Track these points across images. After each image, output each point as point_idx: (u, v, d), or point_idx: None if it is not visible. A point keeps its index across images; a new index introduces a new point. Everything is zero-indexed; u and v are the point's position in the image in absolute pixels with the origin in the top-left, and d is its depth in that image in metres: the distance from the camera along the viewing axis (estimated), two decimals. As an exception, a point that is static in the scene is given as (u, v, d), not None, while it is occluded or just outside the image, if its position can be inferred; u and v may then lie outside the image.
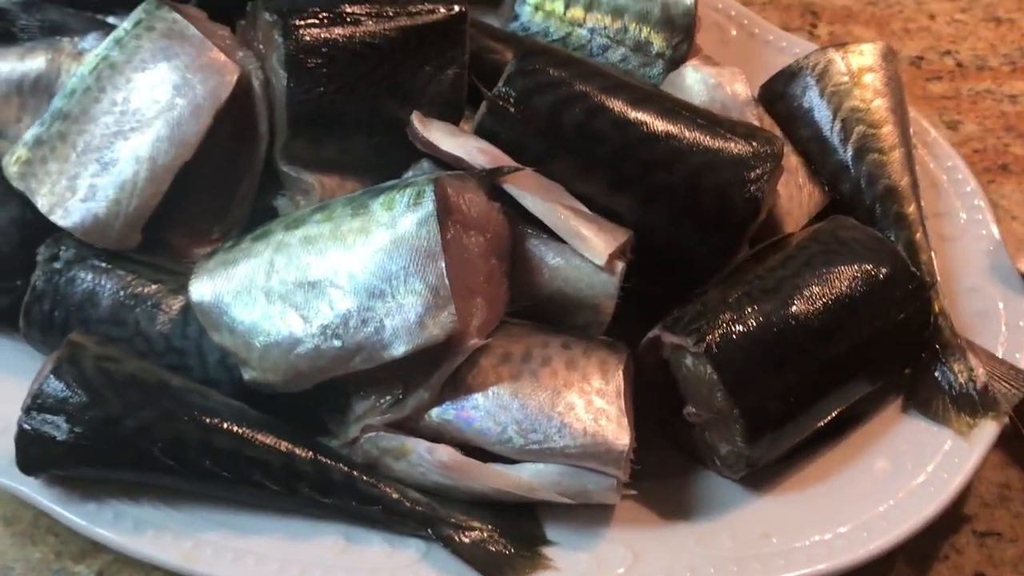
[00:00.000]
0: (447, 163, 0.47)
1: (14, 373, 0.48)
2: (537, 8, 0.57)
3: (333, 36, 0.46)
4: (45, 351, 0.47)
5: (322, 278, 0.42)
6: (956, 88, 0.71)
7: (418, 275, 0.41)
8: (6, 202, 0.47)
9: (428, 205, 0.41)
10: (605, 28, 0.56)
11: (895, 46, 0.73)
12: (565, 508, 0.43)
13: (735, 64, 0.60)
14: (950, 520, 0.50)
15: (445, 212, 0.42)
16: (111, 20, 0.53)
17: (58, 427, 0.40)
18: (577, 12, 0.56)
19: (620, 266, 0.45)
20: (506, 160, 0.46)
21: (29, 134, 0.47)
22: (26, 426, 0.40)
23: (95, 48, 0.52)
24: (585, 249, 0.44)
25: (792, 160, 0.51)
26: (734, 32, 0.63)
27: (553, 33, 0.57)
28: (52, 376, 0.41)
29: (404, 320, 0.41)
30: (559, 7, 0.57)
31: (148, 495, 0.43)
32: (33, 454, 0.41)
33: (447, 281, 0.41)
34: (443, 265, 0.41)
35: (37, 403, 0.40)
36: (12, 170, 0.47)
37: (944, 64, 0.73)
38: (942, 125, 0.69)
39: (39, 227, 0.47)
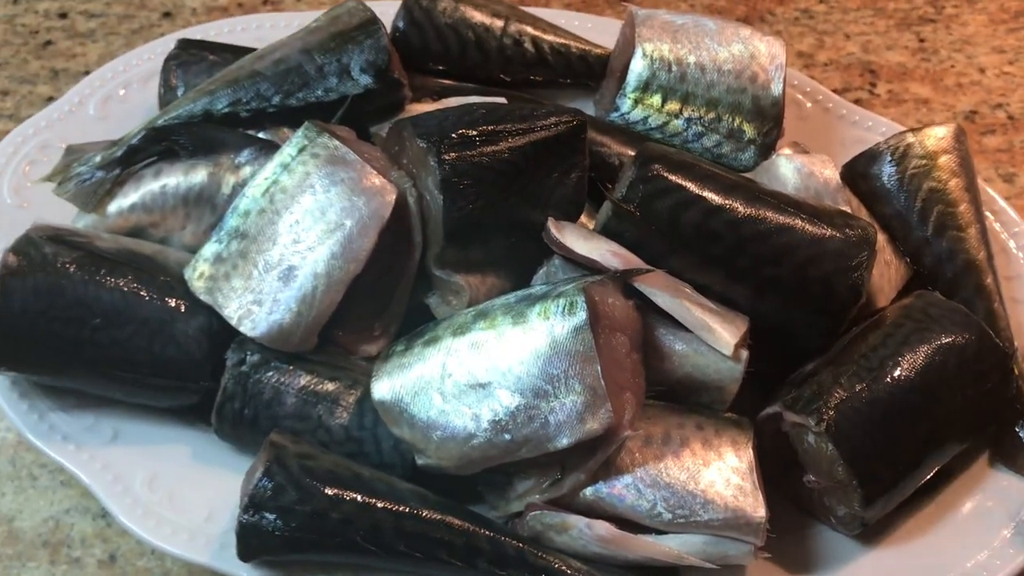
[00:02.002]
0: (580, 264, 0.53)
1: (206, 462, 0.55)
2: (637, 102, 0.62)
3: (478, 158, 0.52)
4: (235, 444, 0.54)
5: (491, 380, 0.48)
6: (1009, 141, 0.77)
7: (577, 377, 0.47)
8: (194, 312, 0.52)
9: (581, 315, 0.47)
10: (700, 118, 0.62)
11: (949, 101, 0.79)
12: (705, 571, 0.49)
13: (813, 137, 0.67)
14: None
15: (595, 318, 0.47)
16: (261, 135, 0.60)
17: (272, 521, 0.46)
18: (674, 105, 0.62)
19: (744, 354, 0.50)
20: (636, 261, 0.51)
21: (208, 250, 0.53)
22: (244, 521, 0.46)
23: (251, 162, 0.58)
24: (713, 340, 0.50)
25: (879, 239, 0.56)
26: (809, 106, 0.69)
27: (651, 123, 0.63)
28: (264, 477, 0.46)
29: (567, 416, 0.47)
30: (656, 100, 0.62)
31: (343, 571, 0.50)
32: (251, 545, 0.47)
33: (602, 381, 0.46)
34: (599, 368, 0.46)
35: (254, 501, 0.46)
36: (198, 284, 0.52)
37: (996, 117, 0.78)
38: (998, 179, 0.74)
39: (225, 335, 0.53)
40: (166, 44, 0.69)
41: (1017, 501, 0.52)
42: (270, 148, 0.57)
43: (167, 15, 0.81)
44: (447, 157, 0.51)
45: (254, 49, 0.64)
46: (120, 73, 0.68)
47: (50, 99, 0.75)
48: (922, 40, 0.83)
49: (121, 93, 0.67)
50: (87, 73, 0.77)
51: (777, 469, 0.51)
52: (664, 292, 0.51)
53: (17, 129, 0.65)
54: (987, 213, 0.62)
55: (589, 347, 0.46)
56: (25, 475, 0.57)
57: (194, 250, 0.56)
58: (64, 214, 0.60)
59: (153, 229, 0.58)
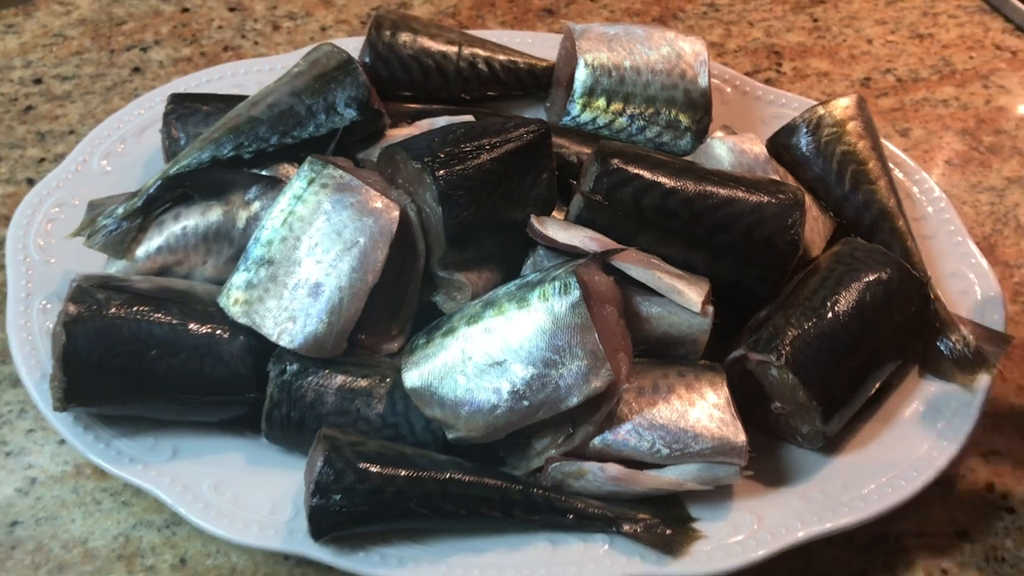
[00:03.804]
0: (562, 251, 0.61)
1: (261, 465, 0.61)
2: (585, 106, 0.70)
3: (466, 171, 0.59)
4: (284, 445, 0.61)
5: (506, 358, 0.55)
6: (900, 100, 0.87)
7: (579, 345, 0.55)
8: (235, 334, 0.59)
9: (576, 292, 0.55)
10: (641, 114, 0.70)
11: (845, 71, 0.89)
12: (700, 493, 0.58)
13: (737, 118, 0.76)
14: (963, 448, 0.66)
15: (586, 294, 0.56)
16: (264, 173, 0.66)
17: (337, 501, 0.53)
18: (617, 105, 0.70)
19: (710, 310, 0.59)
20: (610, 243, 0.60)
21: (238, 279, 0.59)
22: (314, 504, 0.53)
23: (259, 197, 0.65)
24: (683, 301, 0.59)
25: (806, 199, 0.65)
26: (729, 91, 0.78)
27: (599, 122, 0.71)
28: (325, 465, 0.54)
29: (574, 379, 0.55)
30: (602, 103, 0.70)
31: (400, 537, 0.57)
32: (321, 524, 0.54)
33: (600, 346, 0.55)
34: (596, 336, 0.55)
35: (320, 487, 0.53)
36: (234, 310, 0.59)
37: (887, 81, 0.88)
38: (895, 134, 0.85)
39: (264, 350, 0.60)
40: (151, 99, 0.76)
41: (944, 402, 0.62)
42: (274, 183, 0.64)
43: (136, 70, 0.87)
44: (440, 173, 0.58)
45: (238, 95, 0.71)
46: (116, 130, 0.73)
47: (41, 160, 0.80)
48: (815, 20, 0.93)
49: (120, 148, 0.72)
50: (72, 132, 0.83)
51: (746, 403, 0.60)
52: (637, 266, 0.59)
53: (33, 191, 0.70)
54: (891, 166, 0.72)
55: (586, 319, 0.55)
56: (89, 501, 0.63)
57: (217, 282, 0.63)
58: (85, 264, 0.66)
59: (178, 267, 0.64)
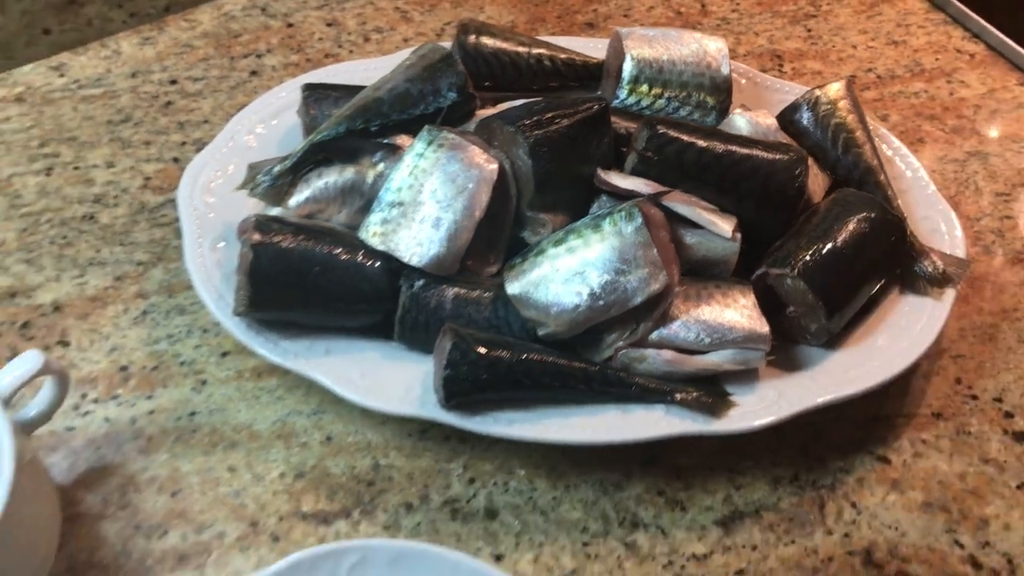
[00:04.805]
0: (622, 195, 0.78)
1: (393, 360, 0.76)
2: (631, 91, 0.87)
3: (549, 133, 0.76)
4: (410, 344, 0.76)
5: (585, 269, 0.72)
6: (881, 93, 1.04)
7: (642, 258, 0.71)
8: (375, 258, 0.74)
9: (638, 219, 0.72)
10: (676, 96, 0.87)
11: (835, 70, 1.06)
12: (734, 373, 0.74)
13: (750, 103, 0.93)
14: (935, 351, 0.82)
15: (646, 220, 0.72)
16: (386, 142, 0.83)
17: (464, 372, 0.68)
18: (657, 90, 0.87)
19: (739, 237, 0.75)
20: (660, 187, 0.77)
21: (375, 218, 0.75)
22: (446, 375, 0.69)
23: (383, 160, 0.81)
24: (717, 230, 0.75)
25: (809, 159, 0.82)
26: (743, 82, 0.95)
27: (642, 104, 0.87)
28: (453, 346, 0.69)
29: (638, 284, 0.71)
30: (645, 88, 0.87)
31: (507, 405, 0.72)
32: (451, 391, 0.69)
33: (659, 258, 0.71)
34: (655, 251, 0.71)
35: (451, 361, 0.69)
36: (373, 240, 0.75)
37: (869, 78, 1.06)
38: (876, 119, 1.02)
39: (395, 271, 0.76)
40: (277, 93, 0.92)
41: (920, 310, 0.78)
42: (394, 149, 0.80)
43: (254, 73, 1.04)
44: (531, 134, 0.75)
45: (354, 86, 0.88)
46: (254, 115, 0.89)
47: (183, 143, 0.97)
48: (809, 30, 1.11)
49: (259, 129, 0.89)
50: (206, 122, 0.99)
51: (767, 314, 0.77)
52: (681, 204, 0.76)
53: (193, 161, 0.85)
54: (876, 137, 0.89)
55: (647, 238, 0.71)
56: (250, 397, 0.79)
57: (350, 227, 0.79)
58: (236, 216, 0.82)
59: (320, 214, 0.80)
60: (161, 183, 0.93)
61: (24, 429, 0.69)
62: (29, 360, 0.68)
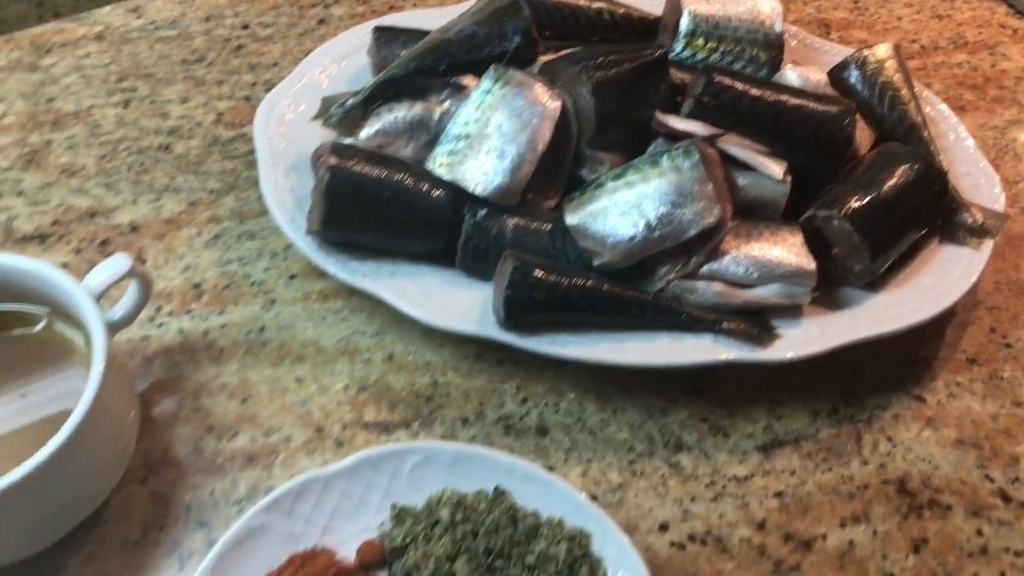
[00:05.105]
0: (678, 137, 0.81)
1: (454, 285, 0.79)
2: (687, 45, 0.90)
3: (611, 74, 0.79)
4: (470, 271, 0.78)
5: (643, 202, 0.75)
6: (924, 63, 1.07)
7: (698, 192, 0.74)
8: (441, 187, 0.77)
9: (695, 155, 0.75)
10: (730, 51, 0.90)
11: (880, 40, 1.09)
12: (779, 309, 0.77)
13: (800, 62, 0.96)
14: (971, 302, 0.85)
15: (703, 157, 0.75)
16: (453, 81, 0.86)
17: (525, 292, 0.72)
18: (712, 44, 0.90)
19: (789, 179, 0.79)
20: (716, 130, 0.80)
21: (442, 149, 0.79)
22: (507, 295, 0.72)
23: (449, 99, 0.84)
24: (769, 172, 0.78)
25: (856, 115, 0.85)
26: (794, 44, 0.98)
27: (697, 57, 0.90)
28: (514, 269, 0.73)
29: (694, 216, 0.74)
30: (700, 42, 0.90)
31: (563, 328, 0.75)
32: (512, 310, 0.72)
33: (713, 194, 0.74)
34: (710, 186, 0.74)
35: (512, 282, 0.72)
36: (441, 170, 0.78)
37: (913, 48, 1.09)
38: (920, 86, 1.04)
39: (460, 200, 0.79)
40: (346, 38, 0.96)
41: (958, 259, 0.81)
42: (460, 88, 0.84)
43: (321, 21, 1.08)
44: (594, 74, 0.78)
45: (421, 30, 0.91)
46: (324, 56, 0.93)
47: (253, 84, 1.01)
48: (856, 1, 1.14)
49: (330, 68, 0.92)
50: (275, 65, 1.03)
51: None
52: (735, 146, 0.79)
53: (267, 96, 0.89)
54: (919, 98, 0.92)
55: (703, 174, 0.74)
56: (317, 316, 0.83)
57: (415, 160, 0.83)
58: (307, 147, 0.86)
59: (388, 147, 0.84)
60: (233, 119, 0.97)
61: (110, 329, 0.73)
62: (117, 262, 0.72)
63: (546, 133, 0.78)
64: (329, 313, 0.82)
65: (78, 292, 0.68)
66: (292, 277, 0.85)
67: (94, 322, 0.67)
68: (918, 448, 0.75)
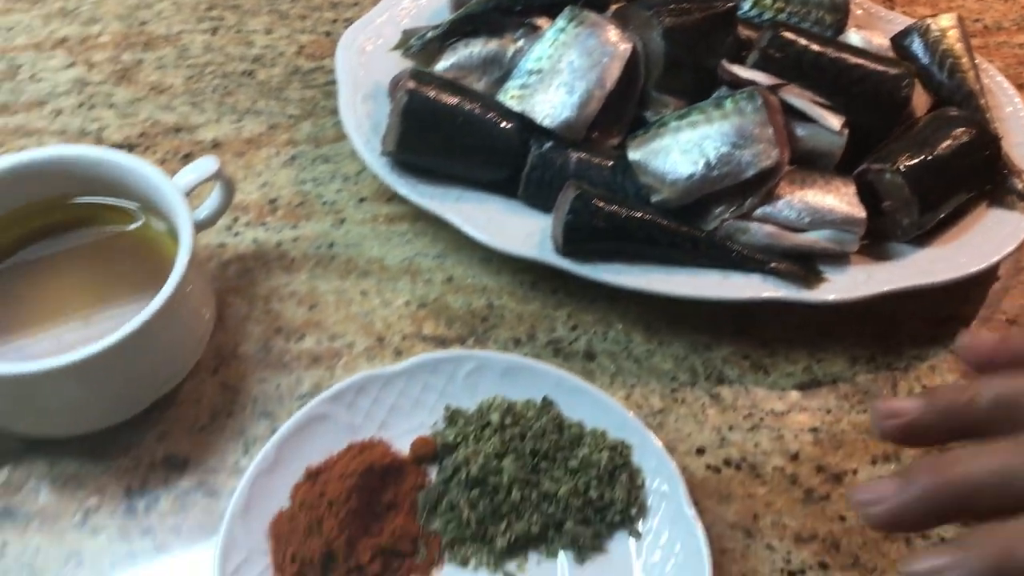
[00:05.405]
0: (742, 85, 0.83)
1: (514, 213, 0.83)
2: (754, 4, 0.93)
3: (680, 20, 0.82)
4: (532, 201, 0.82)
5: (704, 141, 0.77)
6: (985, 41, 1.08)
7: (758, 135, 0.77)
8: (511, 118, 0.81)
9: (758, 100, 0.77)
10: (796, 12, 0.92)
11: (944, 18, 1.10)
12: (827, 256, 0.79)
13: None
14: (1015, 266, 0.86)
15: (765, 102, 0.78)
16: (527, 20, 0.89)
17: (584, 220, 0.75)
18: (779, 4, 0.92)
19: (846, 132, 0.81)
20: (779, 81, 0.82)
21: (514, 83, 0.82)
22: (568, 221, 0.75)
23: (523, 37, 0.87)
24: (827, 124, 0.80)
25: (915, 79, 0.87)
26: (859, 12, 1.00)
27: (764, 16, 0.93)
28: (576, 197, 0.76)
29: (752, 158, 0.77)
30: (768, 1, 0.93)
31: (618, 258, 0.78)
32: (571, 237, 0.75)
33: (773, 137, 0.77)
34: (771, 130, 0.77)
35: (572, 209, 0.75)
36: (511, 102, 0.81)
37: (976, 27, 1.10)
38: (983, 59, 1.06)
39: (527, 132, 0.83)
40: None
41: (1006, 221, 0.82)
42: (533, 28, 0.87)
43: (401, -32, 1.12)
44: (665, 19, 0.81)
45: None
46: (406, -6, 0.98)
47: (334, 21, 1.05)
48: (922, -20, 1.15)
49: (409, 6, 0.97)
50: (356, 4, 1.07)
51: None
52: (796, 97, 0.81)
53: (348, 30, 0.93)
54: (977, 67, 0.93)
55: (764, 118, 0.77)
56: (383, 238, 0.86)
57: (487, 94, 0.86)
58: (384, 77, 0.90)
59: (462, 80, 0.87)
60: (313, 52, 1.01)
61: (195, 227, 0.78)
62: (205, 164, 0.76)
63: (615, 72, 0.81)
64: (394, 235, 0.86)
65: (169, 188, 0.73)
66: (362, 200, 0.89)
67: (182, 215, 0.71)
68: (953, 398, 0.77)
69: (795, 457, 0.73)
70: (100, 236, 0.75)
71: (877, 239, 0.81)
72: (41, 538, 0.68)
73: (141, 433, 0.73)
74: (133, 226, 0.76)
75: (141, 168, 0.74)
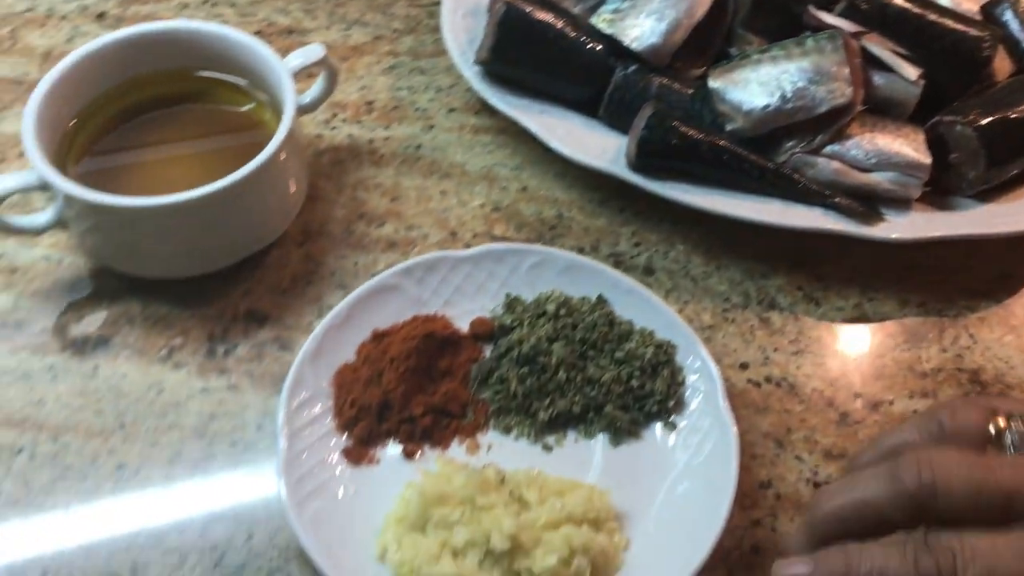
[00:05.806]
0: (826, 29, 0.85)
1: (592, 130, 0.87)
2: (849, -40, 0.95)
3: (774, -36, 0.85)
4: (611, 122, 0.86)
5: (782, 75, 0.80)
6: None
7: (835, 73, 0.79)
8: (600, 40, 0.84)
9: (839, 40, 0.79)
10: (889, -27, 0.94)
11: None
12: (889, 199, 0.81)
13: (954, 1, 0.99)
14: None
15: (845, 44, 0.80)
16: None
17: (659, 135, 0.78)
18: (873, -38, 0.94)
19: (922, 82, 0.82)
20: (862, 28, 0.84)
21: (607, 8, 0.85)
22: (643, 135, 0.79)
23: (620, -30, 0.92)
24: (905, 73, 0.82)
25: (998, 43, 0.88)
26: (952, -17, 1.01)
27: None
28: (652, 114, 0.79)
29: (827, 94, 0.79)
30: (863, -40, 0.95)
31: (686, 179, 0.82)
32: (644, 150, 0.79)
33: (849, 76, 0.79)
34: (847, 70, 0.79)
35: (648, 124, 0.79)
36: (602, 24, 0.85)
37: (1073, 14, 1.10)
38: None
39: (614, 53, 0.86)
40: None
41: (1075, 191, 0.84)
42: (631, -37, 0.91)
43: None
44: (757, -39, 0.84)
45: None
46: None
47: (444, -49, 1.10)
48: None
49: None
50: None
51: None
52: (876, 46, 0.83)
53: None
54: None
55: (843, 57, 0.79)
56: (467, 145, 0.91)
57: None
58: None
59: (558, 2, 0.92)
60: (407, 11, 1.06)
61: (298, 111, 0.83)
62: (313, 50, 0.82)
63: (705, 4, 0.84)
64: (478, 144, 0.91)
65: (279, 66, 0.78)
66: (451, 110, 0.93)
67: (288, 91, 0.77)
68: (998, 348, 0.78)
69: (834, 383, 0.76)
70: (215, 112, 0.81)
71: (941, 193, 0.83)
72: (129, 366, 0.74)
73: (228, 288, 0.79)
74: (247, 107, 0.81)
75: (255, 46, 0.79)
